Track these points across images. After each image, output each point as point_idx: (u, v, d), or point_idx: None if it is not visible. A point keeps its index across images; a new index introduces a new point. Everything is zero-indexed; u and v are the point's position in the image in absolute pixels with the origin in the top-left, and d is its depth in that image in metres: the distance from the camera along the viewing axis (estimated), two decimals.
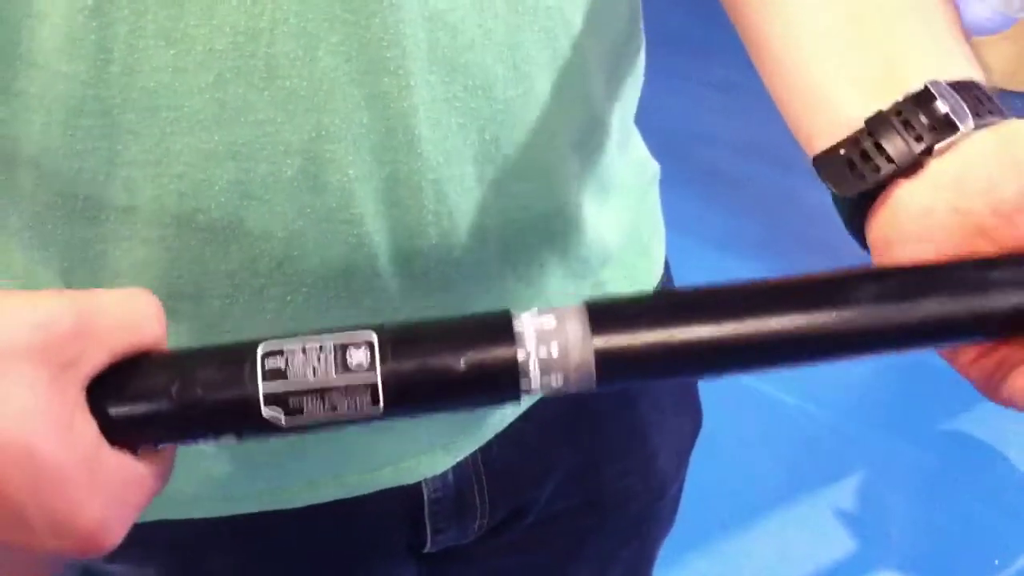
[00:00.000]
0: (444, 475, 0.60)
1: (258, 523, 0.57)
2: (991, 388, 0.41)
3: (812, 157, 0.45)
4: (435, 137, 0.45)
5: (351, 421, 0.37)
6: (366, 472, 0.58)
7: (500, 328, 0.37)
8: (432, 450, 0.59)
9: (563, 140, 0.51)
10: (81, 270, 0.48)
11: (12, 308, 0.35)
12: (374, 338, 0.37)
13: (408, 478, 0.59)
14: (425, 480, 0.60)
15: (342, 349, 0.36)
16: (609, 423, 0.67)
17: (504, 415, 0.61)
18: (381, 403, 0.36)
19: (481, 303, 0.53)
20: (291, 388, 0.36)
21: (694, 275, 0.66)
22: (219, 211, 0.45)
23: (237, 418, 0.36)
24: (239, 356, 0.37)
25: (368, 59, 0.42)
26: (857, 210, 0.44)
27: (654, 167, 0.68)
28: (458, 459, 0.60)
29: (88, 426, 0.35)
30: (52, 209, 0.45)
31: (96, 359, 0.36)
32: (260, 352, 0.37)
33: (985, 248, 0.41)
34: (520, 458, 0.63)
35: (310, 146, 0.43)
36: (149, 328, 0.37)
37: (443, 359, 0.37)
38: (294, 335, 0.37)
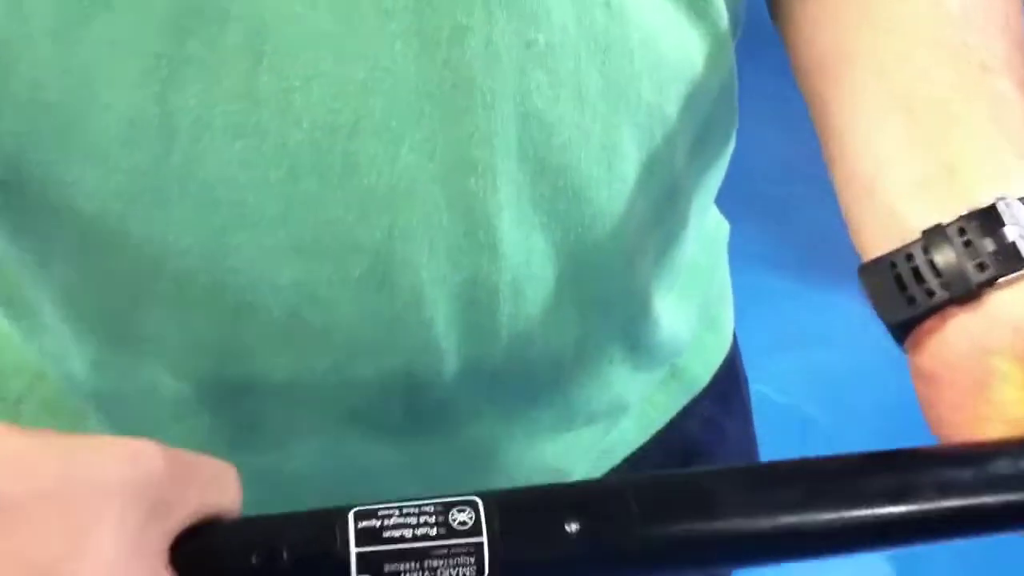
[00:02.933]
0: None
1: None
2: None
3: (858, 266, 0.41)
4: (517, 238, 0.42)
5: None
6: None
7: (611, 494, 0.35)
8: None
9: (645, 233, 0.48)
10: (119, 347, 0.45)
11: (104, 442, 0.32)
12: (479, 501, 0.34)
13: None
14: None
15: (444, 509, 0.34)
16: None
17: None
18: (487, 569, 0.34)
19: (549, 402, 0.51)
20: (386, 550, 0.33)
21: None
22: (278, 308, 0.42)
23: None
24: (328, 519, 0.34)
25: (454, 158, 0.39)
26: (902, 331, 0.41)
27: (724, 229, 0.65)
28: None
29: None
30: (93, 283, 0.43)
31: (186, 510, 0.33)
32: (352, 514, 0.34)
33: None
34: None
35: (382, 246, 0.41)
36: (234, 494, 0.35)
37: (557, 523, 0.34)
38: (390, 501, 0.35)
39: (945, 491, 0.36)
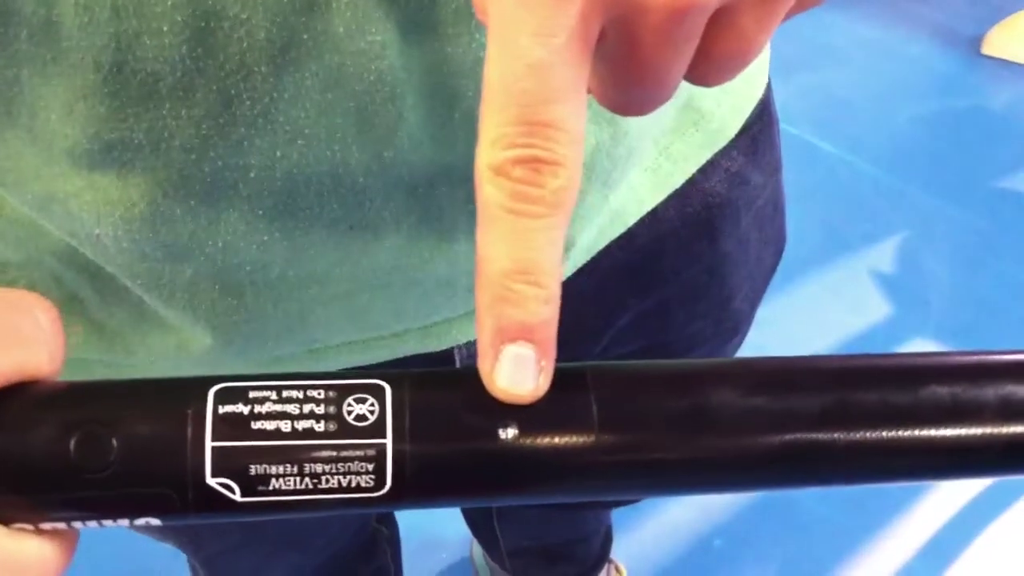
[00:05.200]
0: None
1: None
2: None
3: None
4: None
5: (338, 507, 0.25)
6: (385, 335, 0.47)
7: (573, 379, 0.26)
8: (470, 315, 0.48)
9: None
10: None
11: None
12: (386, 388, 0.25)
13: (436, 344, 0.49)
14: (458, 347, 0.50)
15: (338, 397, 0.25)
16: (687, 265, 0.56)
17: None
18: (388, 480, 0.25)
19: None
20: (253, 446, 0.24)
21: None
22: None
23: (168, 489, 0.24)
24: (179, 396, 0.25)
25: None
26: None
27: None
28: None
29: None
30: None
31: None
32: (212, 393, 0.25)
33: None
34: (575, 314, 0.52)
35: None
36: (42, 348, 0.25)
37: (488, 424, 0.25)
38: (269, 376, 0.25)
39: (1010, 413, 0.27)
